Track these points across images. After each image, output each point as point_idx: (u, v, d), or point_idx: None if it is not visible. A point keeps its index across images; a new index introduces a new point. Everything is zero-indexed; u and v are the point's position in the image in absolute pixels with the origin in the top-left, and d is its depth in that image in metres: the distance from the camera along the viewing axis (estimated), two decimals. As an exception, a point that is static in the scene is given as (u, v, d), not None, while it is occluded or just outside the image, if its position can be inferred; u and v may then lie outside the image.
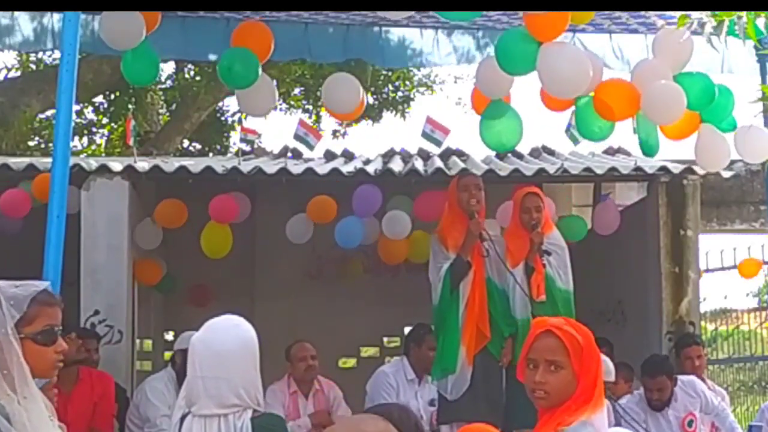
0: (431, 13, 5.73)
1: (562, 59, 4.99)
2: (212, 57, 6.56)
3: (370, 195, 6.98)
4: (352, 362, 9.69)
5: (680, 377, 6.10)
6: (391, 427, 1.92)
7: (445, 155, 8.45)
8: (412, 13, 5.11)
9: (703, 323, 9.62)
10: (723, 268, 10.91)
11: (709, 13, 3.37)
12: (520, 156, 8.52)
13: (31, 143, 13.36)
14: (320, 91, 13.69)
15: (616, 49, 6.32)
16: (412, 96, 15.39)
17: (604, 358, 5.72)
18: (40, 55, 13.12)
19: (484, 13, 5.75)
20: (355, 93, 5.88)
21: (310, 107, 15.05)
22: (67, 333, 5.36)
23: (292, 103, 15.12)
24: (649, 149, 5.70)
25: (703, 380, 6.54)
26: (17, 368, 2.54)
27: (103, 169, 6.73)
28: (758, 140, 5.63)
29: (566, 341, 2.77)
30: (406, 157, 8.66)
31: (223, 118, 15.14)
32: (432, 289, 5.75)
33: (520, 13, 5.15)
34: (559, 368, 2.74)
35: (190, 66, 13.88)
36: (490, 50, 6.39)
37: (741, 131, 5.64)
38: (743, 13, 3.19)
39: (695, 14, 3.61)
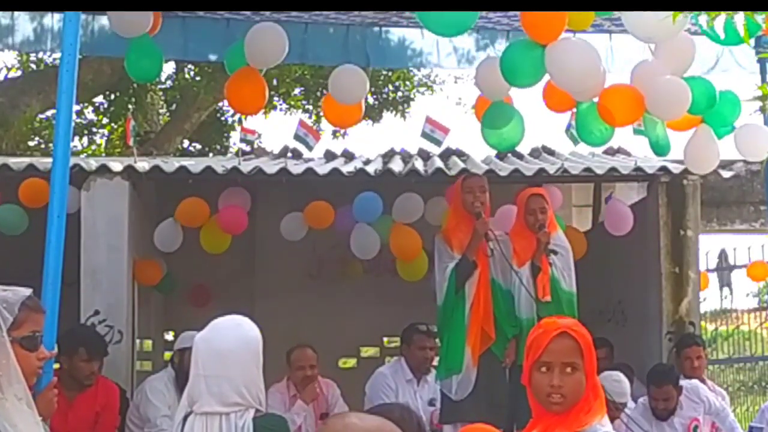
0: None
1: (571, 53, 4.93)
2: (212, 57, 6.56)
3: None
4: (352, 362, 9.69)
5: (684, 383, 6.10)
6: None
7: (445, 155, 8.44)
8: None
9: (703, 323, 9.62)
10: (723, 268, 10.93)
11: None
12: (520, 156, 8.52)
13: (31, 143, 13.37)
14: (320, 91, 13.83)
15: (615, 50, 6.32)
16: (412, 96, 15.41)
17: (620, 378, 5.79)
18: (40, 55, 13.13)
19: (484, 14, 5.75)
20: (362, 84, 5.85)
21: (310, 107, 15.06)
22: (77, 348, 5.35)
23: (292, 103, 15.12)
24: (660, 150, 5.69)
25: (703, 381, 6.54)
26: (7, 370, 2.56)
27: (103, 169, 6.72)
28: (757, 138, 5.62)
29: (581, 342, 2.73)
30: (406, 157, 8.66)
31: (223, 118, 15.15)
32: (437, 289, 5.76)
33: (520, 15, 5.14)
34: (575, 370, 2.68)
35: (190, 66, 13.88)
36: (491, 51, 6.39)
37: (740, 130, 5.63)
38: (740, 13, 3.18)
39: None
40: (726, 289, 12.13)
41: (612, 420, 5.53)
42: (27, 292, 2.83)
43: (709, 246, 10.18)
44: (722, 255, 11.10)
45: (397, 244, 7.04)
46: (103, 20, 6.03)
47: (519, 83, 5.22)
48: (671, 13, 3.17)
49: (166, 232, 7.03)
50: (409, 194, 7.05)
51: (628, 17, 4.71)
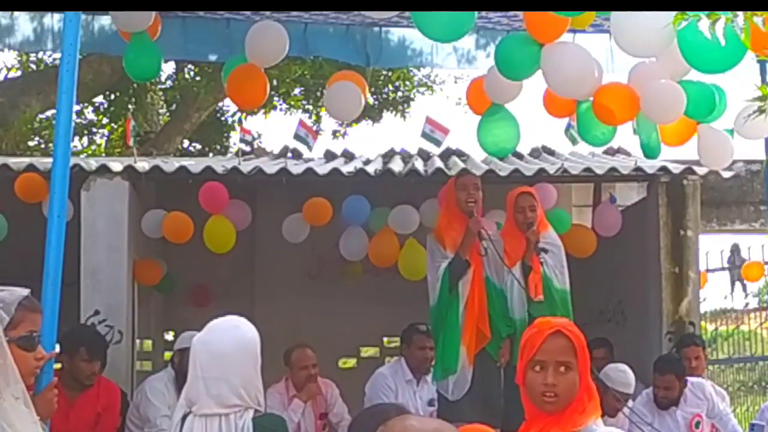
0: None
1: (567, 58, 4.95)
2: (212, 57, 6.56)
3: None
4: (352, 362, 9.69)
5: (690, 379, 6.13)
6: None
7: (445, 155, 8.45)
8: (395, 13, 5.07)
9: (703, 323, 9.63)
10: (723, 269, 10.94)
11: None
12: (520, 156, 8.52)
13: (31, 143, 13.38)
14: (320, 91, 13.83)
15: (616, 51, 6.31)
16: (412, 96, 15.42)
17: (625, 369, 5.86)
18: (40, 55, 13.14)
19: (484, 14, 5.75)
20: (357, 101, 5.87)
21: (310, 107, 15.07)
22: (78, 348, 5.35)
23: (292, 103, 15.13)
24: (650, 151, 5.69)
25: (703, 381, 6.56)
26: (5, 370, 2.55)
27: (103, 169, 6.73)
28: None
29: (575, 342, 2.73)
30: (406, 157, 8.66)
31: (223, 118, 15.16)
32: (429, 289, 5.75)
33: (520, 15, 5.14)
34: (569, 369, 2.69)
35: (190, 66, 13.89)
36: (491, 51, 6.39)
37: (741, 114, 5.62)
38: (739, 13, 3.16)
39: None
40: (738, 285, 12.08)
41: (615, 412, 5.59)
42: (24, 292, 2.83)
43: (708, 246, 10.21)
44: (735, 250, 11.05)
45: (374, 250, 7.16)
46: (103, 20, 6.03)
47: (512, 76, 5.23)
48: (672, 17, 3.16)
49: (151, 220, 7.02)
50: (405, 206, 7.08)
51: (619, 34, 4.68)
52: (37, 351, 2.88)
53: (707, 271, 9.94)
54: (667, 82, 5.17)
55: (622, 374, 5.92)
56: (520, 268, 5.64)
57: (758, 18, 3.01)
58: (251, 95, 5.91)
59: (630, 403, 6.10)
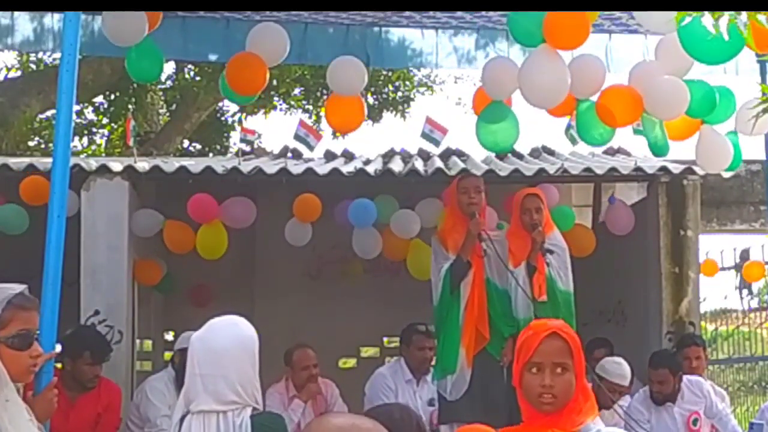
0: (431, 12, 5.74)
1: (542, 72, 5.02)
2: (212, 57, 6.56)
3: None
4: (352, 362, 9.69)
5: (687, 377, 6.13)
6: (380, 427, 1.90)
7: (445, 155, 8.45)
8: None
9: (703, 323, 9.62)
10: (723, 269, 10.93)
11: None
12: (520, 156, 8.52)
13: (31, 143, 13.38)
14: (320, 91, 13.82)
15: (615, 50, 6.31)
16: (412, 96, 15.42)
17: (621, 361, 5.88)
18: (40, 55, 13.14)
19: (484, 14, 5.76)
20: (360, 73, 5.84)
21: (310, 107, 15.06)
22: (82, 351, 5.36)
23: (292, 103, 15.12)
24: (658, 150, 5.69)
25: (702, 381, 6.56)
26: None
27: (103, 169, 6.73)
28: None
29: (571, 343, 2.76)
30: (406, 157, 8.66)
31: (223, 118, 15.16)
32: (432, 289, 5.77)
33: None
34: (566, 370, 2.72)
35: (190, 66, 13.88)
36: (491, 51, 6.40)
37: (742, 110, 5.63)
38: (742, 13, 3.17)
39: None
40: (746, 290, 12.04)
41: (610, 405, 5.60)
42: (17, 289, 2.77)
43: (709, 246, 10.19)
44: (744, 255, 11.01)
45: (388, 245, 7.16)
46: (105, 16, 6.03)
47: (518, 41, 5.41)
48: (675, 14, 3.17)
49: (142, 220, 6.98)
50: (406, 211, 7.08)
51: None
52: (32, 348, 2.81)
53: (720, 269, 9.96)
54: (669, 78, 5.18)
55: (617, 366, 6.00)
56: (525, 268, 5.65)
57: (762, 16, 3.02)
58: (249, 81, 5.85)
59: (627, 400, 6.11)
